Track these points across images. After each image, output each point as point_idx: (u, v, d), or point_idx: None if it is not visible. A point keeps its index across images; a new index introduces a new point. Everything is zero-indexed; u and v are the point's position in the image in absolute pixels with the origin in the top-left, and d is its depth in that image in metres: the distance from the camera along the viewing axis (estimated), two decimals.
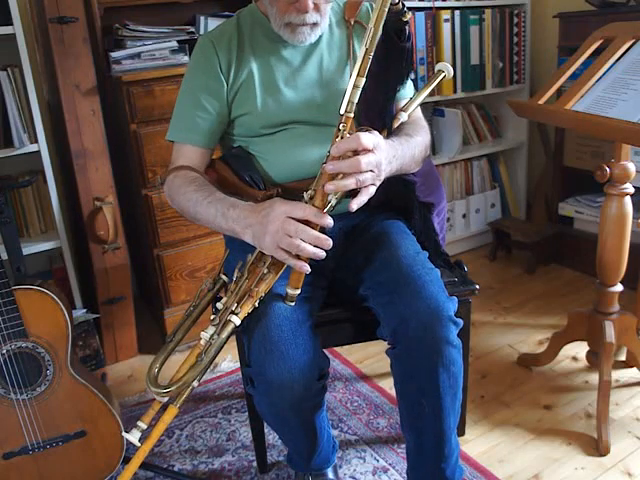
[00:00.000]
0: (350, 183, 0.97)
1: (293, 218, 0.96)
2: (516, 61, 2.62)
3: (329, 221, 0.96)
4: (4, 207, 1.27)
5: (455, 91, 2.48)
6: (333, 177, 0.98)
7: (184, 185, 1.15)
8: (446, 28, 2.38)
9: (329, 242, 0.97)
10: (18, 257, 1.32)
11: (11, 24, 1.59)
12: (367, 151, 0.98)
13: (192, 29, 1.93)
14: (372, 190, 1.01)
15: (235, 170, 1.21)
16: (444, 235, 1.37)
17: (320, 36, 1.20)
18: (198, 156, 1.22)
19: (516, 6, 2.57)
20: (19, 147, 1.69)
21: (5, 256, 1.28)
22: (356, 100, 0.96)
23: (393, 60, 1.13)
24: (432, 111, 2.56)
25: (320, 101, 1.22)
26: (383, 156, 1.01)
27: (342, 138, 0.98)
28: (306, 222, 0.96)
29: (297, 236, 0.95)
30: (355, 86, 0.96)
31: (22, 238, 1.83)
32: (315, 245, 0.96)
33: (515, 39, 2.59)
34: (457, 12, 2.40)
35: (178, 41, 1.89)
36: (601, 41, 1.55)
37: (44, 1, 1.62)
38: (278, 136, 1.22)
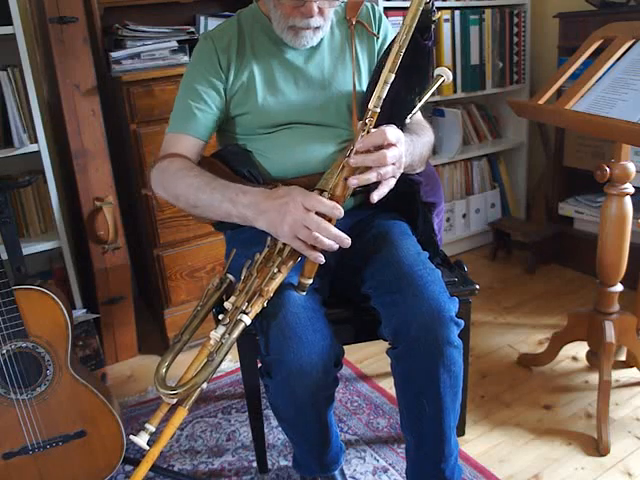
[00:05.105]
0: (372, 177, 0.99)
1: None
2: (516, 61, 2.62)
3: (342, 213, 0.98)
4: (4, 207, 1.27)
5: (455, 91, 2.48)
6: (354, 171, 0.99)
7: (184, 169, 1.12)
8: (446, 28, 2.38)
9: (348, 241, 0.98)
10: (18, 257, 1.32)
11: (11, 24, 1.59)
12: (391, 145, 0.99)
13: (192, 29, 1.93)
14: (392, 183, 1.02)
15: (232, 166, 1.20)
16: (441, 236, 1.37)
17: (321, 37, 1.20)
18: (194, 147, 1.20)
19: (516, 6, 2.57)
20: (19, 147, 1.69)
21: (5, 256, 1.28)
22: (384, 95, 0.97)
23: (410, 58, 1.11)
24: (432, 111, 2.56)
25: (321, 102, 1.22)
26: (403, 150, 1.03)
27: (368, 132, 0.99)
28: (321, 214, 0.97)
29: (319, 232, 0.96)
30: (385, 82, 0.97)
31: (22, 238, 1.83)
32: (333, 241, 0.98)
33: (515, 39, 2.59)
34: (457, 12, 2.40)
35: (178, 41, 1.89)
36: (601, 41, 1.55)
37: (44, 1, 1.62)
38: (279, 134, 1.22)
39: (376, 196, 1.01)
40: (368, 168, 0.99)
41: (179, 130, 1.20)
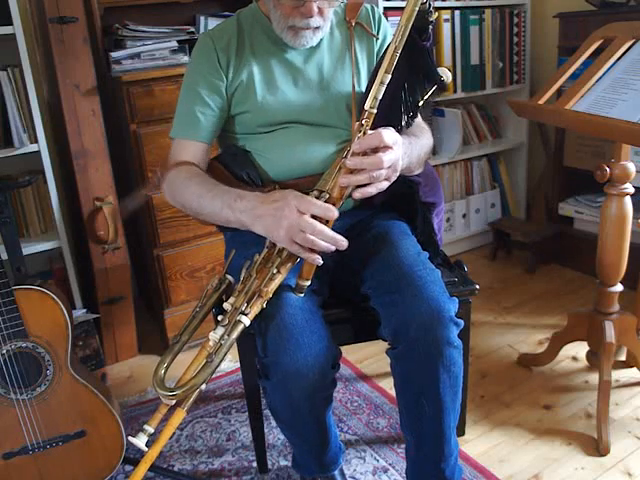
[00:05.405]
0: (363, 178, 0.98)
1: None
2: (516, 61, 2.62)
3: (336, 214, 0.98)
4: (4, 207, 1.27)
5: (455, 91, 2.48)
6: (351, 172, 0.99)
7: (187, 179, 1.14)
8: (446, 28, 2.38)
9: (345, 243, 0.98)
10: (18, 257, 1.32)
11: (11, 24, 1.59)
12: (387, 148, 0.99)
13: (192, 29, 1.93)
14: (384, 185, 1.02)
15: (231, 169, 1.20)
16: (441, 236, 1.37)
17: (321, 38, 1.20)
18: (199, 152, 1.22)
19: (516, 6, 2.57)
20: (19, 147, 1.69)
21: (5, 256, 1.28)
22: (380, 96, 0.97)
23: (408, 59, 1.11)
24: (432, 111, 2.56)
25: (320, 102, 1.22)
26: (400, 153, 1.02)
27: (364, 134, 0.99)
28: (316, 216, 0.97)
29: (314, 235, 0.96)
30: (381, 82, 0.96)
31: (22, 238, 1.83)
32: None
33: (515, 39, 2.59)
34: (457, 12, 2.40)
35: (178, 41, 1.89)
36: (601, 41, 1.55)
37: (44, 1, 1.62)
38: (278, 134, 1.22)
39: (359, 194, 1.00)
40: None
41: (184, 136, 1.22)
